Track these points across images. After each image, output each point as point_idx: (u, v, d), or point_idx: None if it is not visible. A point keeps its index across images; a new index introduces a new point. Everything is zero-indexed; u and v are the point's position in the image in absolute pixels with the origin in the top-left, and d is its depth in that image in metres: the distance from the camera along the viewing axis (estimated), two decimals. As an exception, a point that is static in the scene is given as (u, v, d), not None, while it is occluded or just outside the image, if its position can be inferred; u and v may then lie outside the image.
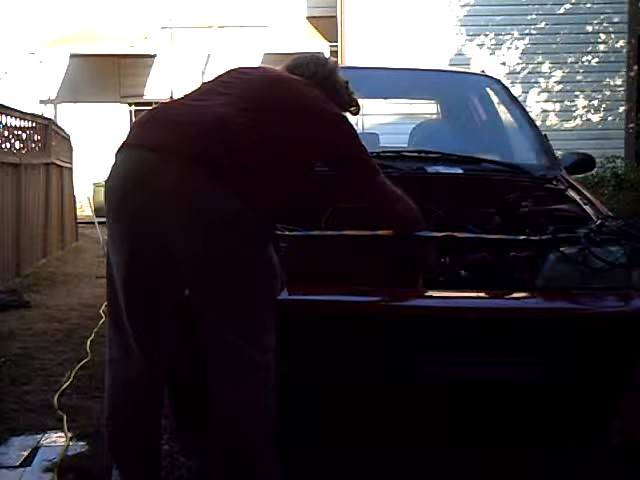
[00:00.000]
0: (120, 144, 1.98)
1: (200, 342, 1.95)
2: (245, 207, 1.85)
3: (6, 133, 6.41)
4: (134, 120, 2.05)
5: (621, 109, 10.87)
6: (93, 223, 9.52)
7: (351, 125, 2.15)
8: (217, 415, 1.94)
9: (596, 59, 10.87)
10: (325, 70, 2.27)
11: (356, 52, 10.58)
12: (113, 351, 2.04)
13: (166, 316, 2.01)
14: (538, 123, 4.10)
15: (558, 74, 10.91)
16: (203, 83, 2.17)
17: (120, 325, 1.98)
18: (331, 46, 11.74)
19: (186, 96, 2.10)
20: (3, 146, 6.31)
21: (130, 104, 14.31)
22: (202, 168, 1.82)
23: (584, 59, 10.88)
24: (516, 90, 9.60)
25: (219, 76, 2.16)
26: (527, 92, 10.80)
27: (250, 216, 1.86)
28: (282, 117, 1.98)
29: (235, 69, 2.19)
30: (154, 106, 2.15)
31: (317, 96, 2.10)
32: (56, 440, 2.78)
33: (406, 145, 3.77)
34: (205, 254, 1.86)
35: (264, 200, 1.89)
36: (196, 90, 2.12)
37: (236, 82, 2.08)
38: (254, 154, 1.88)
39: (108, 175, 1.94)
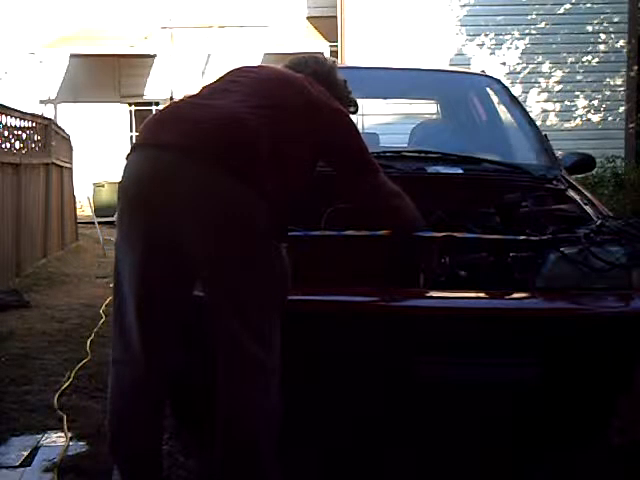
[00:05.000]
0: (132, 144, 1.99)
1: (209, 342, 1.95)
2: (261, 206, 1.85)
3: (6, 133, 6.41)
4: (145, 120, 2.05)
5: (621, 109, 10.88)
6: (93, 223, 9.53)
7: (353, 123, 2.16)
8: (223, 415, 1.94)
9: (596, 59, 10.88)
10: (324, 69, 2.29)
11: (356, 52, 10.58)
12: (117, 352, 2.04)
13: (174, 315, 2.01)
14: (538, 123, 4.09)
15: (558, 74, 10.91)
16: (205, 85, 2.17)
17: (124, 326, 1.98)
18: (331, 46, 11.75)
19: (195, 95, 2.10)
20: (3, 146, 6.31)
21: (130, 104, 14.31)
22: (218, 167, 1.83)
23: (584, 59, 10.88)
24: (516, 90, 9.60)
25: (223, 76, 2.17)
26: (527, 92, 10.81)
27: (266, 216, 1.86)
28: (289, 114, 1.99)
29: (239, 68, 2.20)
30: (164, 105, 2.15)
31: (321, 92, 2.12)
32: (56, 440, 2.78)
33: (406, 145, 3.77)
34: (221, 254, 1.86)
35: (277, 199, 1.89)
36: (203, 90, 2.12)
37: (243, 81, 2.09)
38: (266, 152, 1.89)
39: (122, 175, 1.94)
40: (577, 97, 10.94)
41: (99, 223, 9.40)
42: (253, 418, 1.92)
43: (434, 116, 4.84)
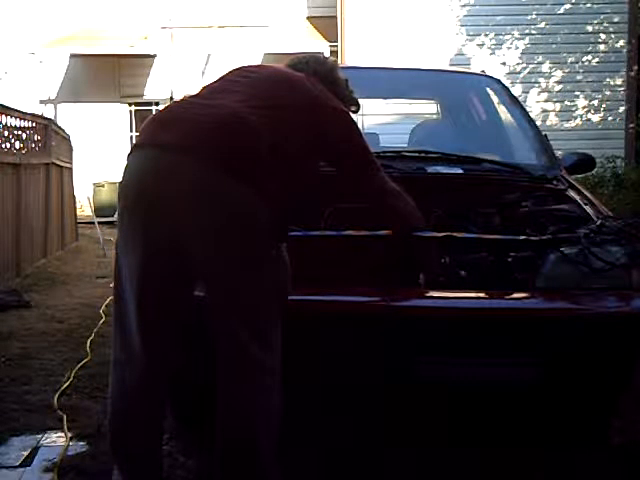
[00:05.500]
0: (133, 144, 1.99)
1: (209, 342, 1.95)
2: (262, 206, 1.85)
3: (6, 133, 6.41)
4: (145, 120, 2.05)
5: (621, 109, 10.88)
6: (93, 223, 9.53)
7: (354, 122, 2.16)
8: (223, 415, 1.94)
9: (596, 59, 10.88)
10: (325, 68, 2.29)
11: (356, 52, 10.58)
12: (117, 352, 2.04)
13: (174, 315, 2.01)
14: (538, 123, 4.09)
15: (558, 74, 10.92)
16: (205, 85, 2.17)
17: (125, 326, 1.98)
18: (331, 46, 11.74)
19: (195, 95, 2.09)
20: (3, 146, 6.31)
21: (130, 104, 14.30)
22: (219, 167, 1.83)
23: (584, 59, 10.89)
24: (516, 90, 9.60)
25: (224, 76, 2.16)
26: (527, 92, 10.81)
27: (267, 216, 1.86)
28: (290, 114, 1.99)
29: (240, 68, 2.19)
30: (164, 105, 2.15)
31: (322, 91, 2.12)
32: (56, 440, 2.78)
33: (406, 145, 3.77)
34: (221, 254, 1.86)
35: (277, 199, 1.89)
36: (203, 89, 2.12)
37: (243, 81, 2.09)
38: (267, 152, 1.89)
39: (122, 175, 1.94)
40: (577, 97, 10.94)
41: (99, 223, 9.40)
42: (253, 418, 1.92)
43: (434, 116, 4.84)
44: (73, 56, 12.93)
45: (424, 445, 2.42)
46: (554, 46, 10.81)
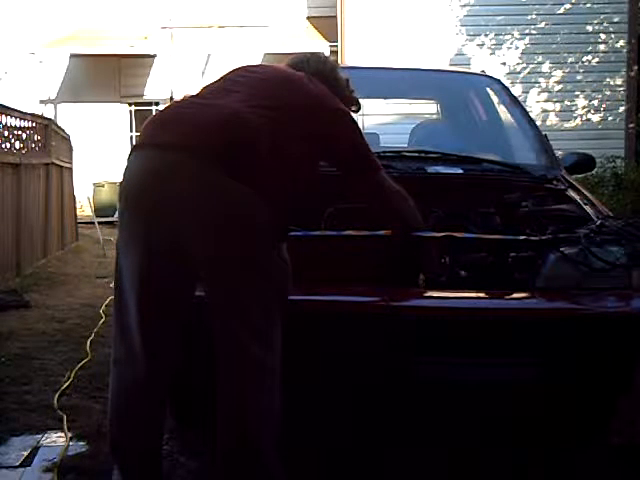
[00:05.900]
0: (133, 145, 1.99)
1: (210, 342, 1.95)
2: (262, 206, 1.85)
3: (6, 133, 6.41)
4: (146, 120, 2.05)
5: (621, 109, 10.87)
6: (93, 223, 9.54)
7: (355, 121, 2.17)
8: (224, 415, 1.94)
9: (596, 59, 10.87)
10: (326, 68, 2.29)
11: (356, 52, 10.57)
12: (117, 352, 2.04)
13: (174, 315, 2.01)
14: (538, 123, 4.09)
15: (558, 74, 10.91)
16: (206, 85, 2.17)
17: (125, 326, 1.98)
18: (331, 46, 11.74)
19: (195, 95, 2.10)
20: (3, 146, 6.31)
21: (130, 104, 14.30)
22: (219, 167, 1.83)
23: (584, 59, 10.88)
24: (516, 90, 9.58)
25: (224, 76, 2.17)
26: (527, 92, 10.80)
27: (267, 216, 1.86)
28: (290, 113, 1.99)
29: (240, 68, 2.20)
30: (165, 106, 2.15)
31: (323, 90, 2.12)
32: (56, 440, 2.78)
33: (406, 145, 3.77)
34: (221, 254, 1.86)
35: (277, 199, 1.89)
36: (204, 90, 2.12)
37: (243, 81, 2.09)
38: (267, 152, 1.89)
39: (123, 175, 1.94)
40: (577, 97, 10.93)
41: (99, 223, 9.40)
42: (253, 418, 1.92)
43: (434, 116, 4.84)
44: (73, 56, 12.93)
45: (424, 445, 2.42)
46: (554, 46, 10.80)
